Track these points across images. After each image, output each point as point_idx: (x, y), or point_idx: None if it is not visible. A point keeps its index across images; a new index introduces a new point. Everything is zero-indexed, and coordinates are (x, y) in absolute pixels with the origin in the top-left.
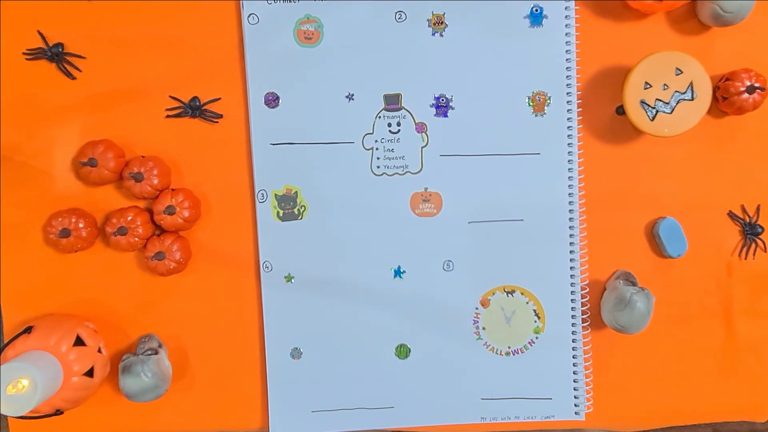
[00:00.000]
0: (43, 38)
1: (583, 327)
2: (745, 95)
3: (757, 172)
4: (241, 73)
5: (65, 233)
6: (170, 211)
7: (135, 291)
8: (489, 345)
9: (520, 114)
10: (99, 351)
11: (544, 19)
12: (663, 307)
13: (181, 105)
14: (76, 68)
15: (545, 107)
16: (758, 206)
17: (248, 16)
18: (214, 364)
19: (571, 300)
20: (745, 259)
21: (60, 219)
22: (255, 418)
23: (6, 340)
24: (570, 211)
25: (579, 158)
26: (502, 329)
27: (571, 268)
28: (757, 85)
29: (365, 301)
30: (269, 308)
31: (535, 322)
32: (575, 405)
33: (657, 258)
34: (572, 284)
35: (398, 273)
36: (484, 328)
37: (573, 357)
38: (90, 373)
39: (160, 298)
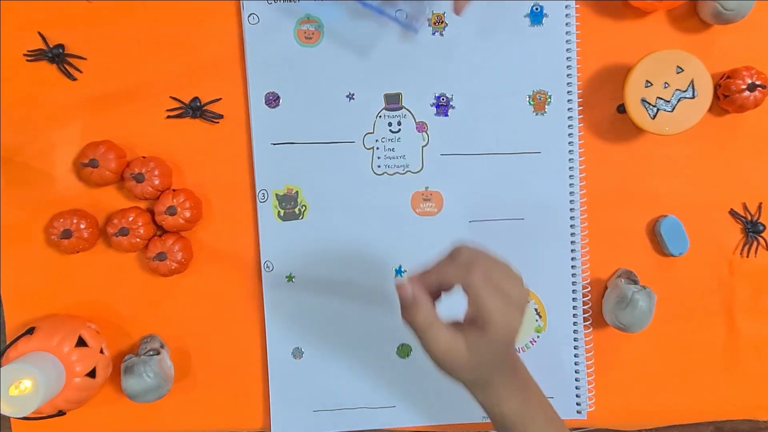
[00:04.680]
0: (44, 39)
1: (584, 326)
2: (746, 93)
3: (758, 170)
4: (241, 73)
5: (67, 234)
6: (171, 211)
7: (137, 292)
8: None
9: (521, 113)
10: (101, 352)
11: (544, 18)
12: (664, 305)
13: (182, 105)
14: (77, 69)
15: (546, 106)
16: (760, 204)
17: (248, 16)
18: (216, 364)
19: (573, 299)
20: (747, 257)
21: (61, 220)
22: (257, 417)
23: (8, 341)
24: (571, 209)
25: (580, 157)
26: None
27: (572, 266)
28: (758, 82)
29: (366, 301)
30: (270, 308)
31: (537, 320)
32: (577, 404)
33: (658, 256)
34: (573, 283)
35: (399, 272)
36: None
37: (575, 356)
38: (92, 374)
39: (162, 299)
